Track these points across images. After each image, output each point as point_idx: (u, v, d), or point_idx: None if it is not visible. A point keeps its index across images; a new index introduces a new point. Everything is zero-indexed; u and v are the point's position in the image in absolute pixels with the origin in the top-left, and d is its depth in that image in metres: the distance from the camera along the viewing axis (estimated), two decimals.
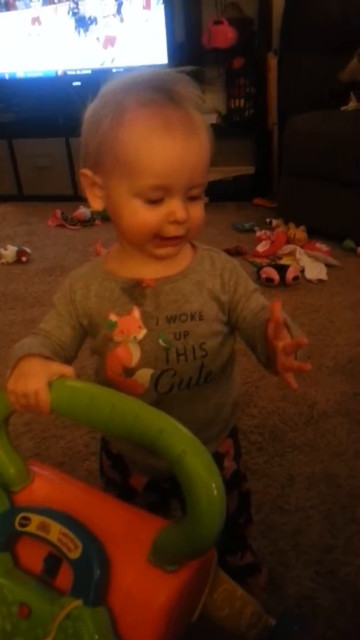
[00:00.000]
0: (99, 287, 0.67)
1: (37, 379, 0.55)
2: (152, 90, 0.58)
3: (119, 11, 2.98)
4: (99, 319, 0.67)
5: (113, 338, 0.66)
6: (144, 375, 0.66)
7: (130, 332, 0.65)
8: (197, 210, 0.62)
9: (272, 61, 2.88)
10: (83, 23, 3.07)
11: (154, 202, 0.59)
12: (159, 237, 0.62)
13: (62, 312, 0.69)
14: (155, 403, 0.53)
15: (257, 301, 0.68)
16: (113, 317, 0.65)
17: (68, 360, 0.67)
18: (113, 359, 0.67)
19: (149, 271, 0.66)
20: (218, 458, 0.76)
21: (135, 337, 0.65)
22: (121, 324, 0.65)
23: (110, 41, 3.05)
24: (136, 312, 0.65)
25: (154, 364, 0.65)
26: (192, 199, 0.61)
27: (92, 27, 3.05)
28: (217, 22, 2.85)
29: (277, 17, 2.86)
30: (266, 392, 1.45)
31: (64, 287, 0.70)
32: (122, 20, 2.98)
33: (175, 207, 0.59)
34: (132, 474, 0.78)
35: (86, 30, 3.06)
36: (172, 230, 0.61)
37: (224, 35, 2.84)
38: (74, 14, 3.06)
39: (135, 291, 0.65)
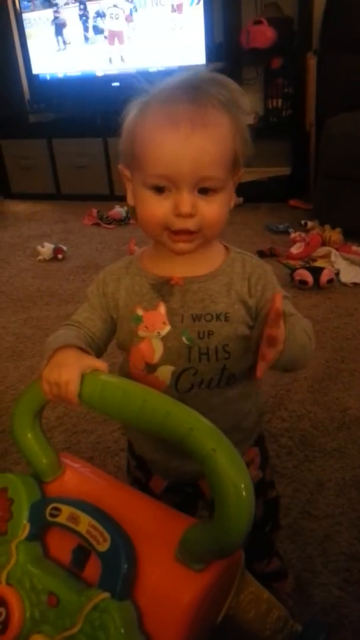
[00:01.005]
0: (130, 281, 0.69)
1: (70, 369, 0.57)
2: (177, 88, 0.60)
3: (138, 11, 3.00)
4: (126, 311, 0.68)
5: (138, 333, 0.67)
6: (166, 372, 0.66)
7: (155, 327, 0.65)
8: (211, 207, 0.61)
9: (312, 61, 2.84)
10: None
11: (161, 192, 0.60)
12: (169, 230, 0.62)
13: (94, 304, 0.70)
14: None
15: (285, 308, 0.65)
16: (139, 312, 0.66)
17: (98, 353, 0.68)
18: (136, 354, 0.67)
19: (179, 270, 0.66)
20: None
21: (159, 333, 0.65)
22: (146, 318, 0.66)
23: (149, 42, 3.07)
24: (162, 308, 0.66)
25: (175, 361, 0.66)
26: (205, 194, 0.60)
27: (129, 28, 3.08)
28: (257, 22, 2.83)
29: (318, 17, 2.82)
30: (297, 396, 1.43)
31: (98, 280, 0.71)
32: (160, 20, 3.00)
33: (179, 199, 0.59)
34: (152, 476, 0.78)
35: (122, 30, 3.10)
36: (178, 223, 0.60)
37: (263, 35, 2.82)
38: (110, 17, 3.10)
39: (163, 288, 0.66)
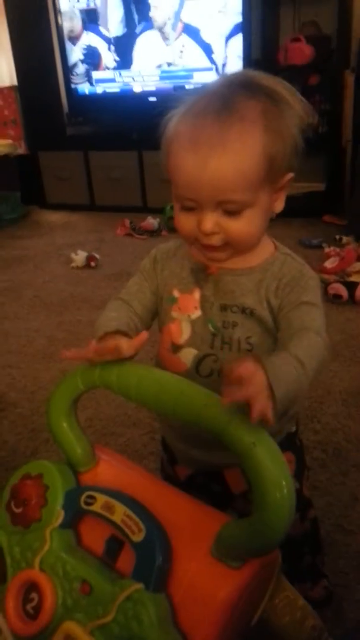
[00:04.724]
0: (175, 264, 0.71)
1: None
2: (211, 98, 0.59)
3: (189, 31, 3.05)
4: (164, 291, 0.70)
5: (171, 313, 0.69)
6: (188, 355, 0.68)
7: (187, 310, 0.68)
8: (237, 225, 0.61)
9: (349, 79, 2.84)
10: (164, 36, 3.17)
11: (188, 209, 0.62)
12: (199, 243, 0.64)
13: (145, 275, 0.72)
14: None
15: (303, 317, 0.62)
16: (175, 293, 0.69)
17: (145, 325, 0.70)
18: (166, 333, 0.70)
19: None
20: None
21: (189, 316, 0.68)
22: (181, 300, 0.69)
23: (185, 56, 3.12)
24: (197, 293, 0.68)
25: (199, 346, 0.67)
26: (230, 213, 0.60)
27: (167, 42, 3.14)
28: (295, 40, 2.85)
29: (356, 35, 2.82)
30: (330, 409, 1.40)
31: (151, 255, 0.74)
32: (196, 35, 3.05)
33: (201, 218, 0.61)
34: (177, 463, 0.78)
35: (166, 42, 3.16)
36: (203, 239, 0.62)
37: (301, 52, 2.83)
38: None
39: (200, 274, 0.68)
